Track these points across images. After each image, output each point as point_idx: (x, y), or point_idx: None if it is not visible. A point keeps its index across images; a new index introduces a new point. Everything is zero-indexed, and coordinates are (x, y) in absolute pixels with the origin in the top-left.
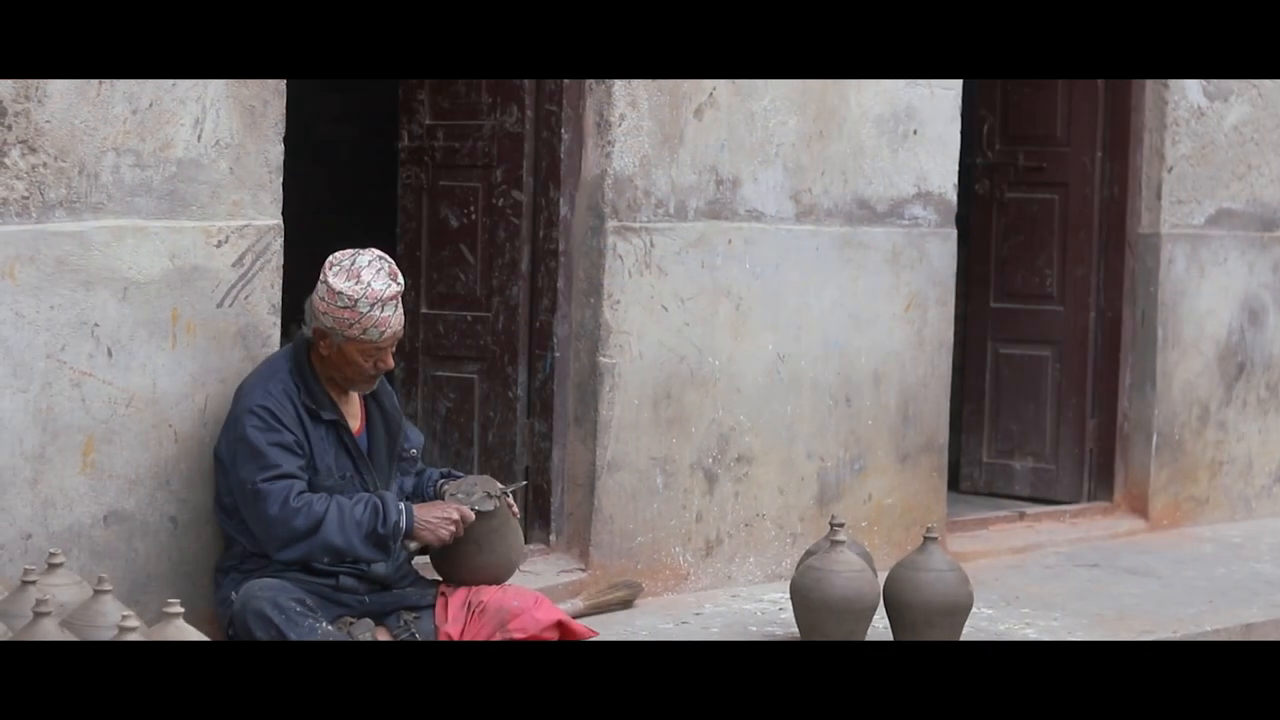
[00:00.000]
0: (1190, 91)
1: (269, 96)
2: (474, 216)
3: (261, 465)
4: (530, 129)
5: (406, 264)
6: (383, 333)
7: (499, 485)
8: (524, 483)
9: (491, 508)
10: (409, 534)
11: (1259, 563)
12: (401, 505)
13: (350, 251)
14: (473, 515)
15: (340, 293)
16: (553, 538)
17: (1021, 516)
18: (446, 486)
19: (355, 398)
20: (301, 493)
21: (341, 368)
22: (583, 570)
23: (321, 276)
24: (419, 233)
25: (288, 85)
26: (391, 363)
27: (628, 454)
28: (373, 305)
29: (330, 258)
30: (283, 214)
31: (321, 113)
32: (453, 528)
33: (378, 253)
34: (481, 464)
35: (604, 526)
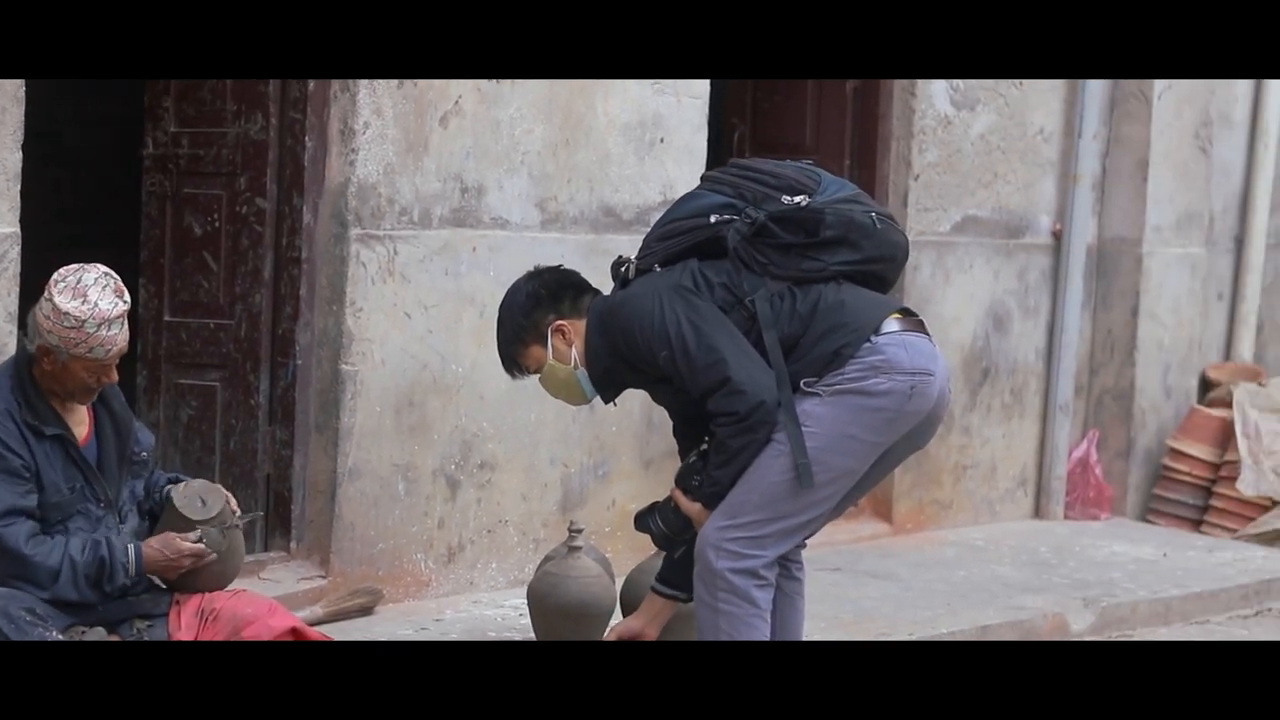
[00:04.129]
0: (938, 100)
1: (7, 103)
2: (218, 224)
3: None
4: (274, 136)
5: (150, 271)
6: (109, 350)
7: (222, 490)
8: (260, 513)
9: (231, 525)
10: (138, 580)
11: (999, 565)
12: (130, 557)
13: (75, 267)
14: (212, 555)
15: (66, 313)
16: (293, 545)
17: None
18: (173, 494)
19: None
20: (32, 537)
21: (64, 382)
22: (323, 577)
23: (46, 294)
24: (163, 240)
25: (37, 89)
26: (115, 376)
27: (369, 461)
28: (100, 325)
29: (55, 275)
30: (23, 221)
31: (73, 118)
32: (187, 564)
33: (104, 269)
34: (223, 472)
35: (345, 534)
